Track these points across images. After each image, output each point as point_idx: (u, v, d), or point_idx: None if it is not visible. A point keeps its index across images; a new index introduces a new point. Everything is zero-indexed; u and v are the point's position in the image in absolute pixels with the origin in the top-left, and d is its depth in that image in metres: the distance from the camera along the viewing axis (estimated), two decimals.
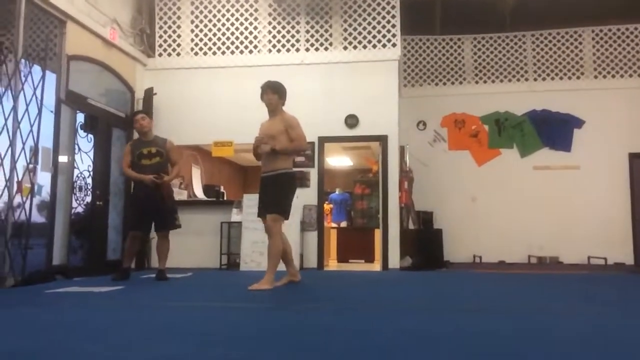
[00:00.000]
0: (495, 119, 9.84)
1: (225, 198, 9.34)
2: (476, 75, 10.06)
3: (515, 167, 9.67)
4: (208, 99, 8.47)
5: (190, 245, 7.97)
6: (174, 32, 8.73)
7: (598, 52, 9.73)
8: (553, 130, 9.61)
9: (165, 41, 8.72)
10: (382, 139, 8.32)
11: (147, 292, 4.78)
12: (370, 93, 8.35)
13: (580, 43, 9.79)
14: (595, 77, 9.68)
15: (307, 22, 8.60)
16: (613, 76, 9.62)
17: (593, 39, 9.77)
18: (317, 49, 8.54)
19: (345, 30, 8.57)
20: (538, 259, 9.15)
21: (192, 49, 8.69)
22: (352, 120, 8.33)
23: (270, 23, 8.63)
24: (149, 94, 8.26)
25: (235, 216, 8.15)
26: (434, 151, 9.93)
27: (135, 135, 6.34)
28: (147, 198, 5.61)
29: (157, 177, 5.62)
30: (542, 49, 9.90)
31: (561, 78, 9.77)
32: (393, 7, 8.46)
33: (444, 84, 10.11)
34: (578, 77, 9.74)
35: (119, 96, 7.98)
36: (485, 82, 10.01)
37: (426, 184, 9.48)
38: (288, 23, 8.60)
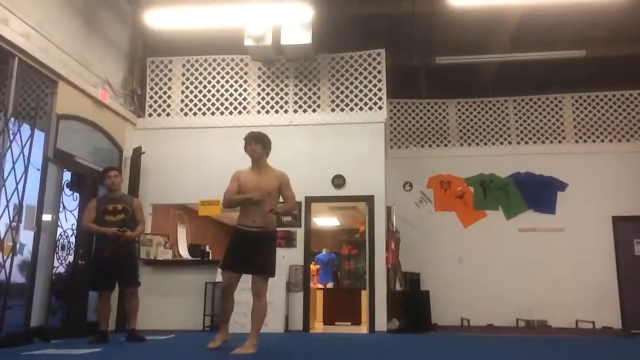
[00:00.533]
0: (480, 181, 9.97)
1: (210, 258, 9.22)
2: (461, 138, 10.26)
3: (501, 228, 9.72)
4: (196, 158, 8.52)
5: (173, 306, 7.80)
6: (165, 93, 8.87)
7: (578, 118, 10.01)
8: (537, 193, 9.74)
9: (155, 102, 8.85)
10: (369, 200, 8.37)
11: (126, 355, 4.63)
12: (357, 154, 8.46)
13: (561, 109, 10.09)
14: (577, 141, 9.92)
15: (296, 85, 8.81)
16: (594, 141, 9.87)
17: (573, 104, 10.08)
18: (305, 111, 8.70)
19: (333, 93, 8.77)
20: (526, 323, 9.05)
21: (181, 110, 8.82)
22: (339, 181, 8.39)
23: (259, 85, 8.82)
24: (138, 152, 8.30)
25: (220, 276, 8.00)
26: (421, 212, 9.98)
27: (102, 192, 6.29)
28: (111, 254, 5.49)
29: (120, 230, 5.52)
30: (524, 114, 10.17)
31: (543, 142, 10.00)
32: (379, 72, 8.71)
33: (430, 146, 10.29)
34: (559, 141, 9.97)
35: (107, 155, 8.00)
36: (469, 144, 10.20)
37: (413, 245, 9.46)
38: (277, 85, 8.79)
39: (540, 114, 10.13)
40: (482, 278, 9.45)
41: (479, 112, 10.31)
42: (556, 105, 10.12)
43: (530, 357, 4.92)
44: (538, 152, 9.97)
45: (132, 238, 5.72)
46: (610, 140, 9.83)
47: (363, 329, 8.73)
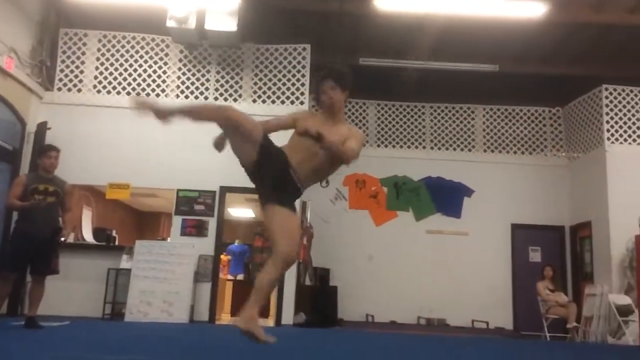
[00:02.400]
0: (394, 182, 10.25)
1: (116, 243, 8.87)
2: (378, 139, 10.51)
3: (410, 229, 10.06)
4: (107, 138, 8.15)
5: (72, 292, 7.42)
6: (77, 67, 8.42)
7: (488, 129, 10.54)
8: (446, 197, 10.16)
9: (66, 75, 8.37)
10: None
11: (15, 341, 4.35)
12: None
13: (473, 119, 10.59)
14: (485, 150, 10.45)
15: (218, 72, 8.65)
16: (500, 151, 10.43)
17: (484, 115, 10.61)
18: (226, 99, 8.56)
19: (256, 84, 8.70)
20: (427, 321, 9.43)
21: (94, 86, 8.40)
22: None
23: (180, 69, 8.58)
24: (43, 128, 7.81)
25: (124, 263, 7.75)
26: (335, 209, 10.12)
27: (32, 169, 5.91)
28: (35, 236, 5.15)
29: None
30: (439, 120, 10.58)
31: (454, 149, 10.45)
32: (304, 67, 8.74)
33: None
34: (469, 150, 10.46)
35: (9, 127, 7.48)
36: (386, 146, 10.47)
37: (325, 241, 9.58)
38: (198, 71, 8.59)
39: (454, 122, 10.57)
40: (389, 276, 9.73)
41: (397, 116, 10.60)
42: (469, 115, 10.61)
43: (414, 353, 5.13)
44: (449, 158, 10.40)
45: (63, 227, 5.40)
46: (515, 152, 10.43)
47: (270, 322, 8.73)
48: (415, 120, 10.60)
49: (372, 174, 10.27)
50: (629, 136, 9.22)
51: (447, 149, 10.47)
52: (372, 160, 10.31)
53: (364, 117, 10.59)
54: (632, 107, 9.34)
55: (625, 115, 9.29)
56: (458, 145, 10.47)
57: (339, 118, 3.39)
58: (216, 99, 8.53)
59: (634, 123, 9.26)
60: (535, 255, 10.07)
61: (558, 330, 8.69)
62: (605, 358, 5.68)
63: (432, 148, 10.48)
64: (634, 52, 9.56)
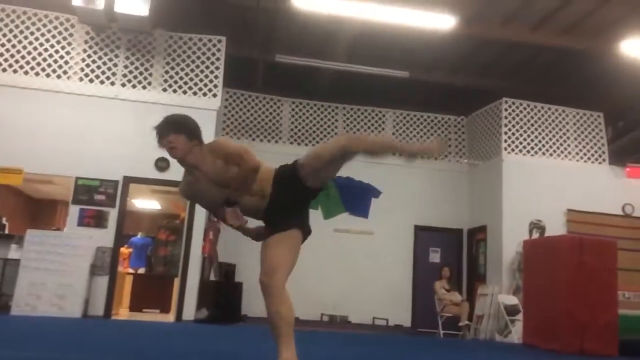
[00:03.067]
0: None
1: (6, 231, 8.30)
2: (292, 136, 10.54)
3: (319, 227, 10.07)
4: (0, 120, 7.60)
5: None
6: None
7: (397, 132, 10.88)
8: (355, 197, 10.37)
9: None
10: None
11: None
12: None
13: (383, 122, 10.88)
14: (394, 153, 10.73)
15: (127, 58, 8.31)
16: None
17: (394, 120, 10.93)
18: (134, 86, 8.26)
19: (167, 72, 8.46)
20: (330, 318, 9.59)
21: None
22: (162, 164, 8.09)
23: (85, 51, 8.16)
24: None
25: (13, 253, 7.26)
26: None
27: None
28: None
29: None
30: (351, 122, 10.78)
31: None
32: (218, 59, 8.59)
33: (261, 140, 10.40)
34: None
35: None
36: (299, 144, 10.52)
37: (233, 235, 9.37)
38: (105, 54, 8.22)
39: (365, 124, 10.81)
40: (295, 273, 9.60)
41: (311, 114, 10.69)
42: (380, 119, 10.89)
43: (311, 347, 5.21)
44: (360, 159, 10.54)
45: None
46: (422, 157, 10.81)
47: (171, 317, 8.52)
48: (329, 120, 10.74)
49: None
50: (524, 147, 9.85)
51: None
52: (285, 157, 10.10)
53: (278, 114, 10.58)
54: (529, 120, 9.98)
55: (522, 127, 9.92)
56: None
57: (196, 155, 2.91)
58: (123, 85, 8.20)
59: (528, 136, 9.91)
60: (435, 256, 10.53)
61: (452, 328, 9.13)
62: (489, 354, 6.04)
63: None
64: (534, 69, 10.25)
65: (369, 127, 10.81)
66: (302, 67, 9.79)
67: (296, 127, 10.60)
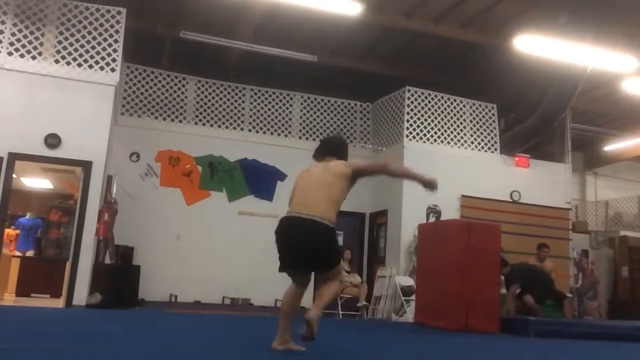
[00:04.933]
0: (209, 162, 10.12)
1: None
2: (196, 116, 10.28)
3: (223, 210, 10.04)
4: None
5: None
6: None
7: (305, 116, 10.93)
8: (260, 180, 10.32)
9: None
10: (86, 165, 7.81)
11: None
12: (80, 114, 7.83)
13: (291, 105, 10.88)
14: (300, 137, 10.82)
15: (15, 25, 7.72)
16: (314, 139, 10.85)
17: (302, 103, 10.96)
18: (22, 55, 7.69)
19: (60, 42, 7.94)
20: (231, 300, 9.53)
21: None
22: (53, 140, 7.64)
23: None
24: None
25: None
26: (145, 185, 9.68)
27: None
28: None
29: None
30: (258, 104, 10.68)
31: (272, 133, 10.65)
32: (117, 32, 8.18)
33: (164, 119, 10.06)
34: (286, 135, 10.74)
35: None
36: (204, 124, 10.28)
37: (131, 218, 9.12)
38: None
39: (273, 106, 10.76)
40: (197, 256, 9.62)
41: (217, 94, 10.47)
42: (288, 101, 10.88)
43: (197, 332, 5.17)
44: (266, 142, 10.56)
45: None
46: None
47: (60, 303, 8.10)
48: (235, 101, 10.57)
49: (187, 152, 10.01)
50: (425, 135, 10.24)
51: (264, 132, 10.63)
52: (188, 137, 10.08)
53: (182, 93, 10.26)
54: (429, 109, 10.37)
55: (422, 116, 10.29)
56: (275, 130, 10.69)
57: None
58: (10, 54, 7.61)
59: (429, 124, 10.30)
60: (338, 240, 10.71)
61: (351, 309, 9.38)
62: (379, 332, 6.27)
63: (250, 130, 10.55)
64: (437, 59, 10.65)
65: (276, 110, 10.76)
66: (208, 45, 9.56)
67: (201, 106, 10.34)
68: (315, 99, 11.05)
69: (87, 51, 8.00)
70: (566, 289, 9.53)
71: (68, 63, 7.91)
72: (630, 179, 14.51)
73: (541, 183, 10.56)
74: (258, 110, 10.65)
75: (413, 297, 8.87)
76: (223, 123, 10.40)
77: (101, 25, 8.11)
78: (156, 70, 10.15)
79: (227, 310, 8.98)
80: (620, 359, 5.12)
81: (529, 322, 6.47)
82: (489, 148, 10.60)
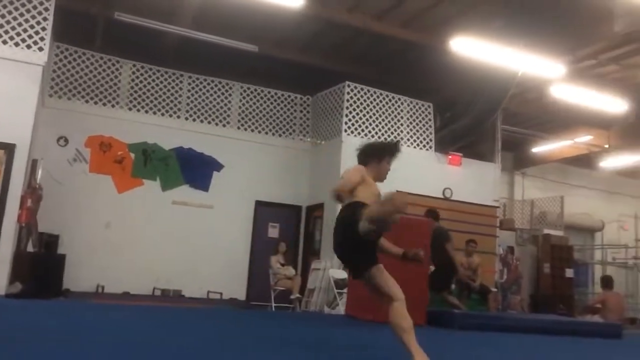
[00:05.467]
0: (142, 149, 9.84)
1: None
2: (130, 101, 9.95)
3: (156, 199, 9.80)
4: None
5: None
6: None
7: (244, 106, 10.81)
8: (195, 169, 10.13)
9: None
10: (9, 148, 7.42)
11: None
12: (3, 94, 7.43)
13: (230, 95, 10.73)
14: (238, 127, 10.69)
15: None
16: (252, 130, 10.79)
17: (241, 93, 10.83)
18: None
19: None
20: (162, 292, 9.33)
21: None
22: None
23: None
24: None
25: None
26: (73, 171, 9.30)
27: None
28: None
29: None
30: (197, 92, 10.47)
31: (209, 122, 10.46)
32: (46, 10, 7.79)
33: (95, 102, 9.68)
34: (224, 125, 10.59)
35: None
36: (138, 110, 9.97)
37: (58, 205, 8.75)
38: None
39: (211, 95, 10.57)
40: (127, 245, 9.35)
41: (153, 80, 10.18)
42: (227, 91, 10.72)
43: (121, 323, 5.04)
44: (204, 131, 10.38)
45: None
46: (266, 133, 10.90)
47: None
48: (173, 87, 10.31)
49: (119, 138, 9.69)
50: (362, 130, 10.35)
51: (202, 121, 10.44)
52: (121, 122, 9.75)
53: (116, 77, 9.90)
54: (368, 105, 10.50)
55: (361, 111, 10.40)
56: (213, 119, 10.52)
57: None
58: None
59: (367, 119, 10.42)
60: (274, 231, 10.72)
61: (284, 301, 9.39)
62: (309, 324, 6.31)
63: (186, 119, 10.33)
64: (377, 56, 10.77)
65: (215, 99, 10.58)
66: (146, 29, 9.25)
67: (136, 92, 10.02)
68: (255, 90, 10.95)
69: (13, 28, 7.59)
70: (491, 283, 9.92)
71: None
72: (555, 180, 15.27)
73: (472, 181, 10.92)
74: (196, 99, 10.44)
75: (346, 290, 8.98)
76: (159, 110, 10.12)
77: (29, 1, 7.69)
78: (88, 52, 9.74)
79: (158, 302, 8.79)
80: (540, 351, 5.37)
81: (454, 315, 6.68)
82: (424, 146, 10.85)
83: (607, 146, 13.39)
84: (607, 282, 10.23)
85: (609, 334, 7.00)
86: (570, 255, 13.01)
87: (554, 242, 12.80)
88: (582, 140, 13.46)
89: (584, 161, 15.05)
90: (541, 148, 14.29)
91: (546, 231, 13.12)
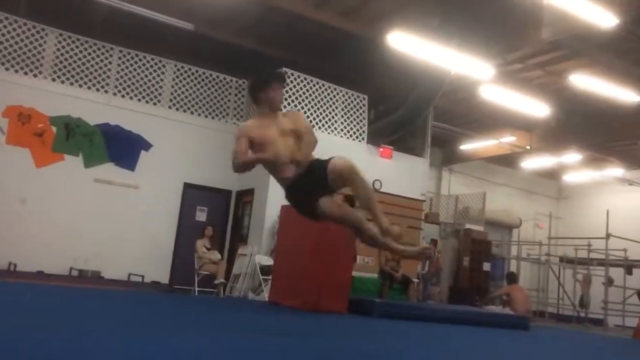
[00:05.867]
0: (65, 123, 9.38)
1: None
2: (55, 72, 9.45)
3: (77, 176, 9.39)
4: None
5: None
6: None
7: (176, 85, 10.51)
8: (122, 147, 9.78)
9: None
10: None
11: None
12: None
13: (163, 72, 10.40)
14: (170, 107, 10.40)
15: None
16: (184, 110, 10.52)
17: (175, 72, 10.52)
18: None
19: None
20: (79, 272, 8.98)
21: None
22: None
23: None
24: None
25: None
26: None
27: None
28: None
29: None
30: (127, 67, 10.07)
31: (139, 100, 10.11)
32: None
33: (16, 71, 9.12)
34: (155, 104, 10.26)
35: None
36: (63, 82, 9.49)
37: None
38: None
39: (143, 72, 10.20)
40: (43, 223, 8.91)
41: (81, 51, 9.69)
42: (160, 68, 10.38)
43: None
44: (133, 108, 10.02)
45: None
46: (199, 114, 10.66)
47: None
48: (101, 60, 9.86)
49: (41, 110, 9.19)
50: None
51: (131, 98, 10.06)
52: (43, 94, 9.26)
53: (40, 45, 9.36)
54: (304, 93, 10.48)
55: (297, 99, 10.37)
56: (144, 97, 10.17)
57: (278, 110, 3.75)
58: None
59: (303, 107, 10.41)
60: (202, 215, 10.54)
61: (208, 286, 9.28)
62: (232, 310, 6.27)
63: (115, 94, 9.92)
64: (316, 45, 10.74)
65: (146, 76, 10.22)
66: None
67: (61, 62, 9.51)
68: (190, 69, 10.67)
69: None
70: (413, 274, 10.23)
71: None
72: (479, 177, 15.92)
73: (401, 174, 11.17)
74: (126, 74, 10.05)
75: (271, 276, 9.00)
76: (85, 83, 9.67)
77: None
78: (11, 17, 9.15)
79: (74, 283, 8.45)
80: (455, 340, 5.59)
81: (375, 303, 6.84)
82: (357, 137, 10.98)
83: (528, 147, 14.08)
84: (511, 277, 10.80)
85: (517, 326, 7.40)
86: (489, 250, 13.64)
87: (475, 237, 13.35)
88: (506, 140, 14.08)
89: (507, 160, 15.78)
90: (468, 146, 14.83)
91: (468, 226, 13.66)
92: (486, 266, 13.29)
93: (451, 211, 14.69)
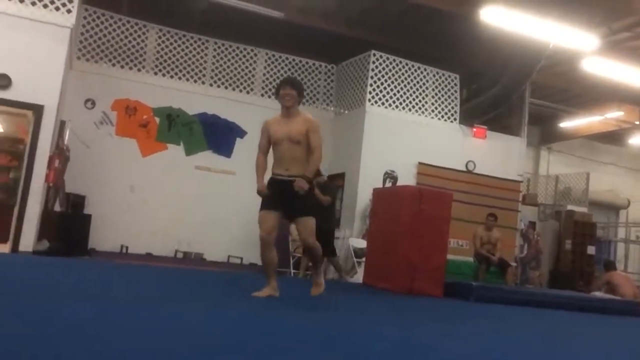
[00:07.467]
0: (167, 114, 9.93)
1: None
2: (156, 66, 10.00)
3: (179, 164, 9.92)
4: None
5: None
6: None
7: (268, 74, 10.77)
8: (219, 135, 10.21)
9: None
10: (37, 109, 7.55)
11: None
12: (32, 56, 7.51)
13: (255, 62, 10.70)
14: (262, 95, 10.69)
15: None
16: (276, 98, 10.74)
17: (266, 60, 10.79)
18: None
19: None
20: (184, 254, 9.53)
21: None
22: (2, 81, 7.33)
23: None
24: None
25: None
26: (100, 133, 9.45)
27: None
28: None
29: None
30: (222, 58, 10.46)
31: (234, 89, 10.48)
32: None
33: (122, 66, 9.76)
34: (248, 92, 10.59)
35: None
36: (164, 75, 10.03)
37: (84, 166, 8.94)
38: None
39: (236, 62, 10.55)
40: (150, 208, 9.53)
41: (179, 45, 10.19)
42: (252, 57, 10.68)
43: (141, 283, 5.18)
44: (228, 97, 10.41)
45: None
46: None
47: (6, 248, 7.92)
48: (198, 53, 10.31)
49: (145, 102, 9.79)
50: (387, 100, 10.26)
51: (226, 87, 10.46)
52: (147, 87, 9.83)
53: (142, 41, 9.94)
54: (393, 75, 10.37)
55: (386, 81, 10.29)
56: (237, 86, 10.53)
57: (295, 112, 4.41)
58: None
59: (392, 89, 10.32)
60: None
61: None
62: (328, 291, 6.40)
63: (211, 85, 10.35)
64: (404, 25, 10.57)
65: (239, 65, 10.56)
66: None
67: (162, 56, 10.06)
68: (280, 57, 10.89)
69: None
70: (511, 258, 9.90)
71: (21, 0, 7.53)
72: (581, 156, 15.00)
73: (496, 155, 10.80)
74: (221, 65, 10.44)
75: (364, 259, 9.06)
76: (184, 75, 10.16)
77: None
78: (116, 15, 9.78)
79: (179, 264, 8.98)
80: (551, 325, 5.39)
81: (472, 287, 6.72)
82: (449, 117, 10.73)
83: (638, 122, 13.06)
84: (608, 265, 10.03)
85: (625, 312, 6.97)
86: (593, 232, 12.87)
87: (577, 219, 12.65)
88: (612, 115, 13.14)
89: (613, 137, 14.73)
90: (569, 123, 14.01)
91: (570, 207, 12.96)
92: (590, 249, 12.55)
93: (550, 192, 14.00)
